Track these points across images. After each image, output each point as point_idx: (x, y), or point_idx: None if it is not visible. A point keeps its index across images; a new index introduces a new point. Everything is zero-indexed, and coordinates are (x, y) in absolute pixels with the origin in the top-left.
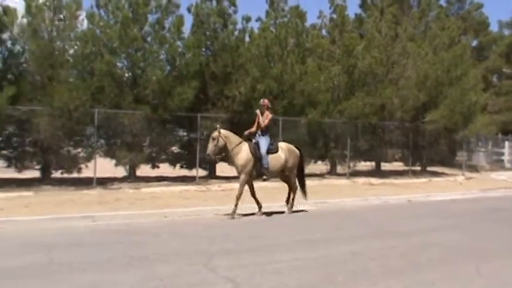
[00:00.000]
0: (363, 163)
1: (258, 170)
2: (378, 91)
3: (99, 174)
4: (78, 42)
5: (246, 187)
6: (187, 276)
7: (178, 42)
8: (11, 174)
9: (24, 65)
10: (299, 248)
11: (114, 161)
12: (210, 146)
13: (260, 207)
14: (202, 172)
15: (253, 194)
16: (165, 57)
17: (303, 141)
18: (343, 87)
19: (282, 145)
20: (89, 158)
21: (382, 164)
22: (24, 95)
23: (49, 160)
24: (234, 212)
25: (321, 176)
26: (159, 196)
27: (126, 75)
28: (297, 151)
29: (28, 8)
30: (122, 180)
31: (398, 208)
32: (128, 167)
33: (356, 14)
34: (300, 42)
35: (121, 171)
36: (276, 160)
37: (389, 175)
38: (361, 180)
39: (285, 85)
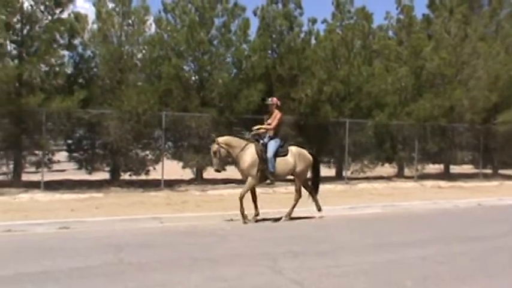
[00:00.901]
0: (431, 166)
1: (262, 174)
2: (447, 92)
3: (166, 177)
4: (146, 47)
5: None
6: (253, 278)
7: (244, 45)
8: (82, 176)
9: (94, 69)
10: (366, 251)
11: (181, 163)
12: (214, 161)
13: (257, 214)
14: None
15: (254, 199)
16: (231, 60)
17: (369, 144)
18: (410, 89)
19: (293, 149)
20: (156, 161)
21: (451, 166)
22: (95, 99)
23: (118, 162)
24: (244, 216)
25: (388, 178)
26: (225, 198)
27: (193, 78)
28: (309, 157)
29: (98, 14)
30: (189, 182)
31: (469, 212)
32: (195, 169)
33: (424, 15)
34: (367, 44)
35: (188, 174)
36: (284, 164)
37: (459, 178)
38: (429, 183)
39: (352, 87)
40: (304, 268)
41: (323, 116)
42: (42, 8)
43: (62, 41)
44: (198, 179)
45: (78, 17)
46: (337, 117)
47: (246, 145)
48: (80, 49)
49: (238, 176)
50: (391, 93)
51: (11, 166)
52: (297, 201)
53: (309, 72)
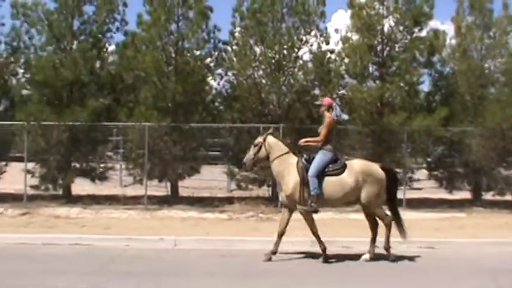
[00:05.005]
0: None
1: (302, 198)
2: None
3: None
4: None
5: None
6: None
7: None
8: (441, 194)
9: (453, 85)
10: None
11: None
12: (250, 154)
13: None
14: None
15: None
16: None
17: None
18: None
19: (355, 165)
20: None
21: None
22: (455, 116)
23: (480, 181)
24: (324, 251)
25: None
26: None
27: None
28: (381, 173)
29: (458, 29)
30: None
31: None
32: None
33: None
34: None
35: None
36: (338, 185)
37: None
38: None
39: None
40: None
41: None
42: (401, 28)
43: (421, 59)
44: None
45: (438, 34)
46: None
47: (286, 153)
48: (438, 66)
49: None
50: None
51: None
52: (389, 229)
53: None
